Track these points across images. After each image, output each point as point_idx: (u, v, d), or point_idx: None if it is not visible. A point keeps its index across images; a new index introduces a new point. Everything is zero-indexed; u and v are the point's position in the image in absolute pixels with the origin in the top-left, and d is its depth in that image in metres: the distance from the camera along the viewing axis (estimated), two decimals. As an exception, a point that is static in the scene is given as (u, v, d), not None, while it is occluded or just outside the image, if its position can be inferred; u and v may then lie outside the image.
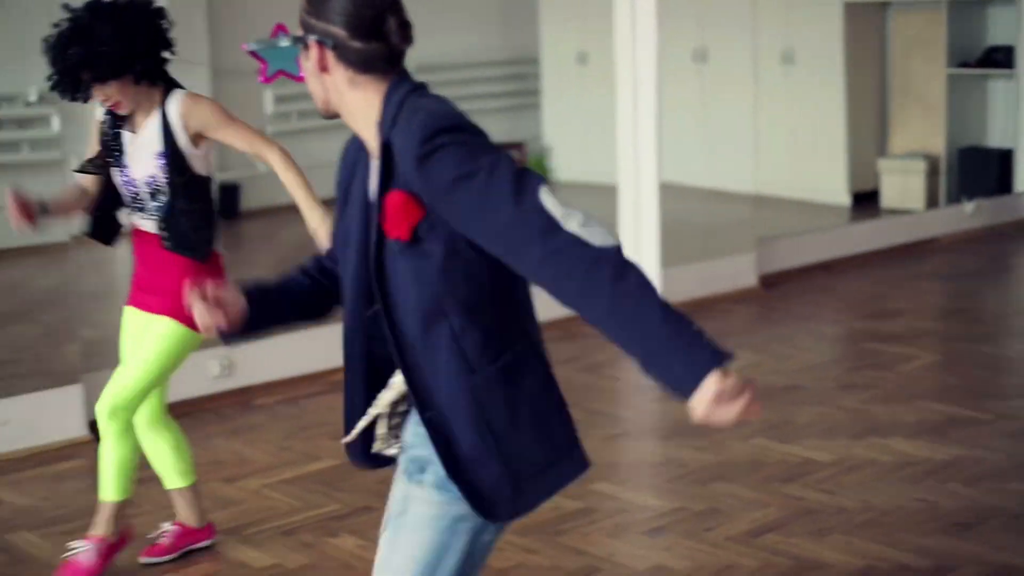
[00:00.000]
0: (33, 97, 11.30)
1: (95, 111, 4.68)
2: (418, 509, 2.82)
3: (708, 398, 2.46)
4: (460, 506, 2.77)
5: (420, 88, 2.77)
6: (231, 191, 11.72)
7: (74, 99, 4.47)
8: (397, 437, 2.92)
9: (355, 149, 2.89)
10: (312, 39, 2.74)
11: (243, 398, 6.81)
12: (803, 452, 5.87)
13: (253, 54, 2.95)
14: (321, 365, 7.06)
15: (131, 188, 4.59)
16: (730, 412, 2.48)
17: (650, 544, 4.98)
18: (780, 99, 11.14)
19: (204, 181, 4.60)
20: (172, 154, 4.49)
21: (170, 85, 4.55)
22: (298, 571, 4.85)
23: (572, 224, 2.55)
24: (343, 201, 2.89)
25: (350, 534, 5.13)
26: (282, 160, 4.45)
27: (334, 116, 2.82)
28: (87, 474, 5.96)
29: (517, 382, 2.79)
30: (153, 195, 4.56)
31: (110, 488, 4.80)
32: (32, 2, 11.07)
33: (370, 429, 2.95)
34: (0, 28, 10.72)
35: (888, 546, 4.87)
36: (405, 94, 2.73)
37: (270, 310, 3.02)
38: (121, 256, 8.07)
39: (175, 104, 4.49)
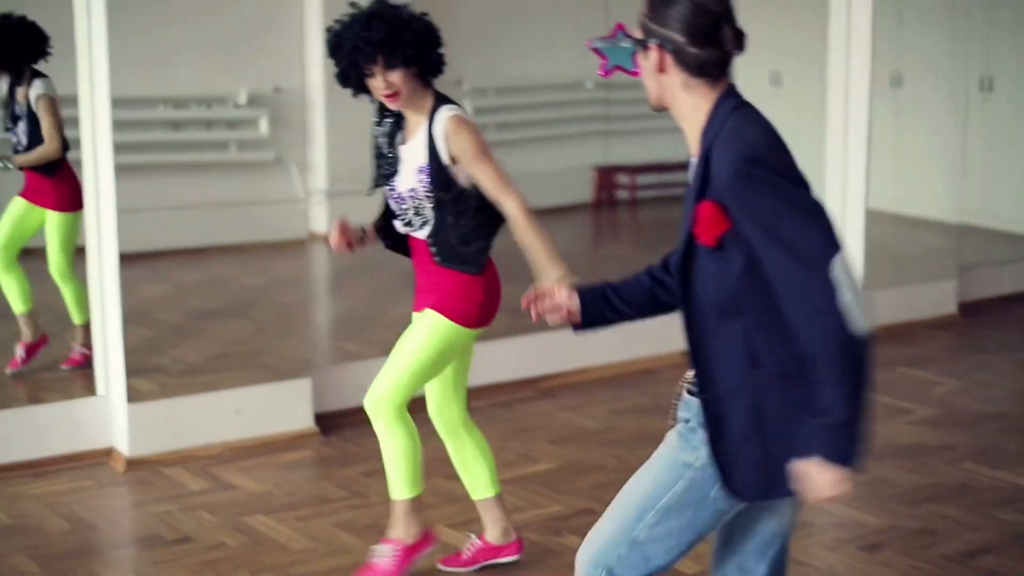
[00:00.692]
0: (243, 99, 11.68)
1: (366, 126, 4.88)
2: (676, 453, 3.15)
3: (821, 482, 2.89)
4: (689, 454, 3.13)
5: (745, 105, 3.01)
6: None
7: (355, 90, 4.61)
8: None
9: None
10: (653, 43, 3.03)
11: (459, 399, 7.04)
12: (1014, 479, 5.95)
13: (595, 51, 3.20)
14: (534, 372, 7.29)
15: (398, 201, 4.66)
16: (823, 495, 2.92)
17: (868, 559, 5.10)
18: (978, 126, 11.13)
19: (473, 195, 4.58)
20: (436, 169, 4.53)
21: (439, 99, 4.62)
22: (523, 566, 5.05)
23: (846, 296, 2.82)
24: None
25: (574, 534, 5.31)
26: (520, 215, 4.45)
27: (663, 110, 3.14)
28: (315, 464, 6.26)
29: (792, 384, 2.99)
30: (417, 210, 4.61)
31: (395, 485, 4.82)
32: (243, 8, 11.50)
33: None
34: (213, 33, 11.12)
35: (1105, 574, 4.95)
36: (731, 109, 2.99)
37: (609, 307, 3.36)
38: (331, 256, 8.37)
39: (440, 124, 4.52)
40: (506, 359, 7.26)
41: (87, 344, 6.65)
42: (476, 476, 4.99)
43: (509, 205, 4.48)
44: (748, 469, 3.05)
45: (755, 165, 2.87)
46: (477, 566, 5.04)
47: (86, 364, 6.65)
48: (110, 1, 5.88)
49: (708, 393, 3.05)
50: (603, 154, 13.96)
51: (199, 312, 8.59)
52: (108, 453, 6.21)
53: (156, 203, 6.65)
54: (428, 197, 4.57)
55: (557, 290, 3.37)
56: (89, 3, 5.95)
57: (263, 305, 9.33)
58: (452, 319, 4.64)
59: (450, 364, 4.80)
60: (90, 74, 6.00)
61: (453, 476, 5.32)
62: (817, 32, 9.81)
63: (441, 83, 12.64)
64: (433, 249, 4.64)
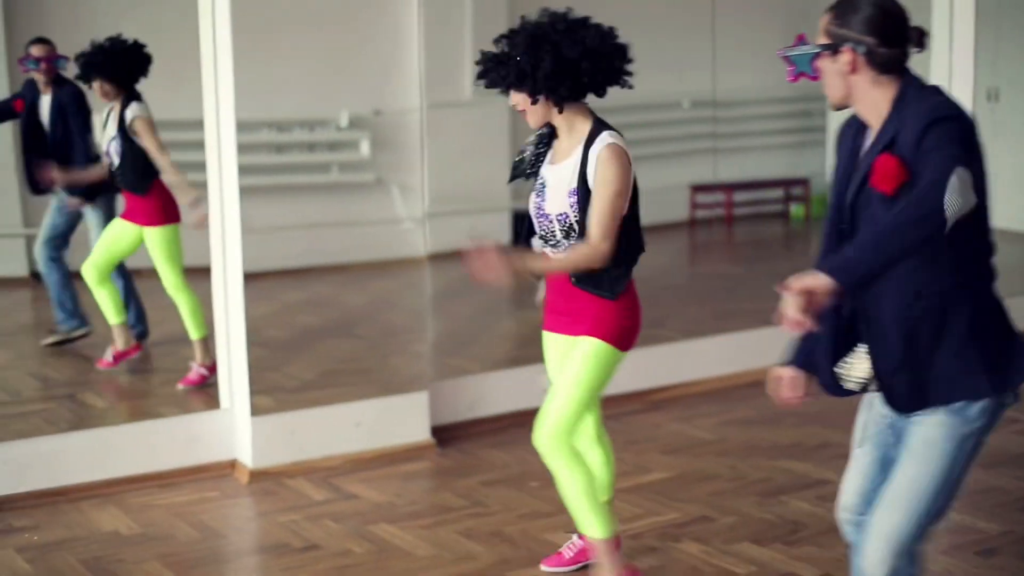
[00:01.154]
0: (344, 122, 11.89)
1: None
2: (949, 431, 3.50)
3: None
4: (972, 424, 3.49)
5: (928, 86, 3.42)
6: (524, 219, 12.09)
7: (503, 88, 4.51)
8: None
9: (850, 131, 3.59)
10: (846, 46, 3.40)
11: (570, 412, 7.16)
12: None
13: (785, 58, 3.57)
14: (644, 385, 7.41)
15: (544, 221, 4.60)
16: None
17: (983, 564, 5.17)
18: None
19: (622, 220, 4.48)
20: (583, 194, 4.46)
21: (599, 124, 4.53)
22: (647, 571, 5.15)
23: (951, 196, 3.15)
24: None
25: (693, 540, 5.42)
26: (586, 259, 4.42)
27: (843, 108, 3.51)
28: (433, 475, 6.40)
29: (946, 311, 3.41)
30: (567, 233, 4.53)
31: (589, 524, 4.76)
32: (348, 33, 11.70)
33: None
34: (314, 58, 11.33)
35: None
36: (917, 89, 3.40)
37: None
38: (431, 276, 8.53)
39: (598, 148, 4.46)
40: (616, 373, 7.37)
41: (204, 363, 6.85)
42: (599, 482, 5.04)
43: (593, 246, 4.41)
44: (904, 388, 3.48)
45: (942, 121, 3.24)
46: (578, 565, 5.15)
47: (202, 384, 6.85)
48: (233, 27, 6.06)
49: (873, 327, 3.47)
50: (701, 172, 14.06)
51: (306, 330, 8.77)
52: (232, 465, 6.39)
53: (260, 224, 6.81)
54: (578, 221, 4.49)
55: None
56: (216, 31, 6.13)
57: (368, 323, 9.50)
58: (610, 343, 4.63)
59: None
60: (215, 98, 6.19)
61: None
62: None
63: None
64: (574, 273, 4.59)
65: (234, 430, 6.39)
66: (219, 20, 6.12)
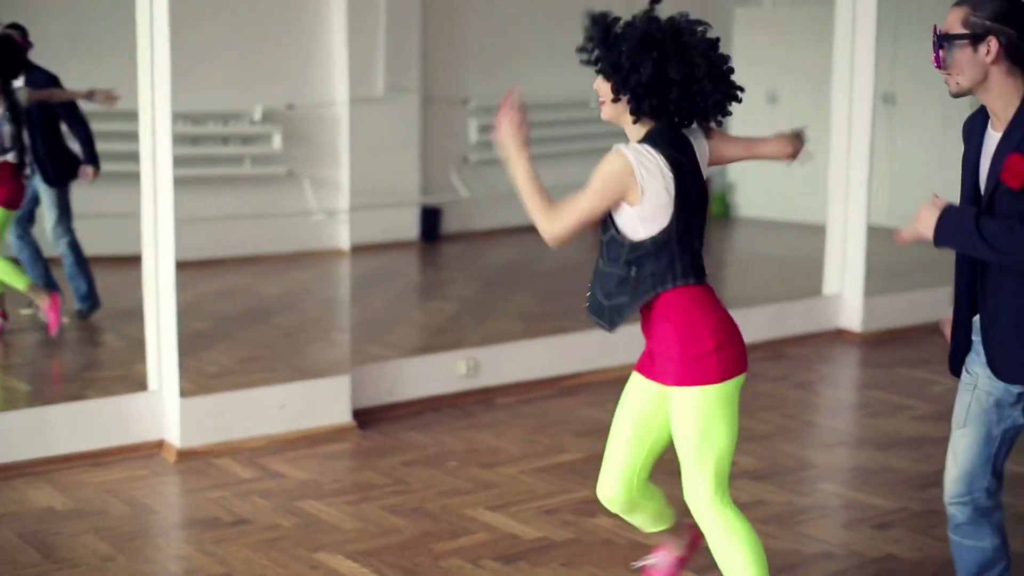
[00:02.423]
0: (258, 116, 12.08)
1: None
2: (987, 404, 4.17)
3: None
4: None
5: None
6: (433, 215, 12.33)
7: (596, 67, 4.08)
8: None
9: (977, 122, 3.94)
10: (991, 36, 3.72)
11: (486, 397, 7.45)
12: (1011, 467, 6.30)
13: (943, 44, 3.81)
14: (555, 371, 7.72)
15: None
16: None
17: (880, 536, 5.50)
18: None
19: (631, 245, 4.01)
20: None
21: (646, 138, 4.04)
22: (565, 544, 5.44)
23: None
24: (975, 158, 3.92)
25: (606, 516, 5.68)
26: (536, 212, 4.03)
27: (963, 95, 3.85)
28: (355, 455, 6.65)
29: None
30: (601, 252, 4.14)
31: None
32: (262, 29, 11.85)
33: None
34: (231, 53, 11.51)
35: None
36: None
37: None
38: (344, 268, 8.79)
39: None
40: (529, 360, 7.68)
41: (45, 304, 7.27)
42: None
43: (547, 217, 4.02)
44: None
45: None
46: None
47: (59, 319, 7.31)
48: (172, 20, 6.26)
49: (989, 305, 3.94)
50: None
51: (224, 319, 8.98)
52: (160, 445, 6.59)
53: (174, 215, 7.00)
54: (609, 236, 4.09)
55: None
56: (153, 22, 6.32)
57: (284, 312, 9.72)
58: (689, 384, 4.09)
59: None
60: (151, 90, 6.37)
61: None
62: (812, 52, 10.28)
63: (448, 101, 13.01)
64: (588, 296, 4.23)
65: (163, 411, 6.59)
66: (156, 11, 6.31)
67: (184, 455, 6.48)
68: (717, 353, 4.03)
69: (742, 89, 4.06)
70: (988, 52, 3.74)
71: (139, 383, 6.80)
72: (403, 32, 11.74)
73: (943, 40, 3.79)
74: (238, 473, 6.31)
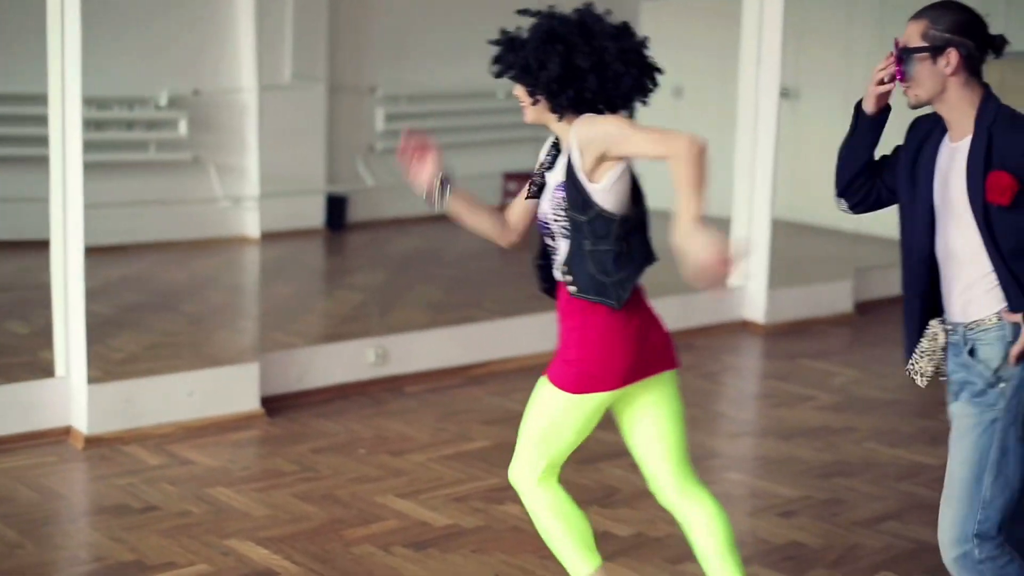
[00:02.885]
0: (163, 101, 12.02)
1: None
2: (979, 419, 3.81)
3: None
4: (991, 412, 3.77)
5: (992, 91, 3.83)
6: (339, 203, 12.31)
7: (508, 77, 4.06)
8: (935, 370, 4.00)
9: (927, 128, 3.91)
10: (951, 48, 3.72)
11: (394, 385, 7.47)
12: (911, 456, 6.49)
13: (902, 58, 3.81)
14: (462, 360, 7.76)
15: (543, 229, 4.15)
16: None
17: (785, 524, 5.61)
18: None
19: (621, 219, 3.95)
20: (573, 187, 3.95)
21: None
22: (474, 531, 5.49)
23: None
24: (912, 163, 3.91)
25: (515, 503, 5.73)
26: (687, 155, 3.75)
27: (921, 106, 3.84)
28: (264, 442, 6.66)
29: None
30: (552, 237, 4.11)
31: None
32: (168, 14, 11.81)
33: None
34: (135, 36, 11.44)
35: (997, 537, 5.49)
36: (999, 103, 3.78)
37: None
38: (251, 256, 8.80)
39: (572, 134, 3.96)
40: (437, 348, 7.71)
41: None
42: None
43: (676, 144, 3.74)
44: None
45: None
46: None
47: None
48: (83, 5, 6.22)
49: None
50: (515, 160, 14.39)
51: (129, 306, 8.94)
52: (67, 432, 6.55)
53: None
54: (558, 220, 4.05)
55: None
56: (64, 8, 6.28)
57: (191, 300, 9.69)
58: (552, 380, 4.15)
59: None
60: (61, 75, 6.33)
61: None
62: (718, 46, 10.40)
63: (355, 90, 12.97)
64: (569, 279, 4.07)
65: (69, 398, 6.55)
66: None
67: (92, 442, 6.44)
68: (578, 365, 4.05)
69: (660, 69, 4.04)
70: (948, 64, 3.74)
71: (44, 369, 6.76)
72: (311, 19, 11.72)
73: (903, 54, 3.80)
74: (146, 460, 6.30)
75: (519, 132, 14.35)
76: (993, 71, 3.95)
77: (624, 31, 4.00)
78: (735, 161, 9.24)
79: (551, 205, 4.04)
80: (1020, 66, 11.67)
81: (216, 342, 7.92)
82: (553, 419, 4.15)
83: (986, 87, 3.80)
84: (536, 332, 8.10)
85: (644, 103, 4.07)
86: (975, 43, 3.75)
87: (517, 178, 14.02)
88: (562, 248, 4.05)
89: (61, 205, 6.44)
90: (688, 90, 14.17)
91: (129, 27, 11.16)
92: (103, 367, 6.80)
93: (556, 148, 4.12)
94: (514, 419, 6.98)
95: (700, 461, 6.25)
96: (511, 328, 8.15)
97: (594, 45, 3.92)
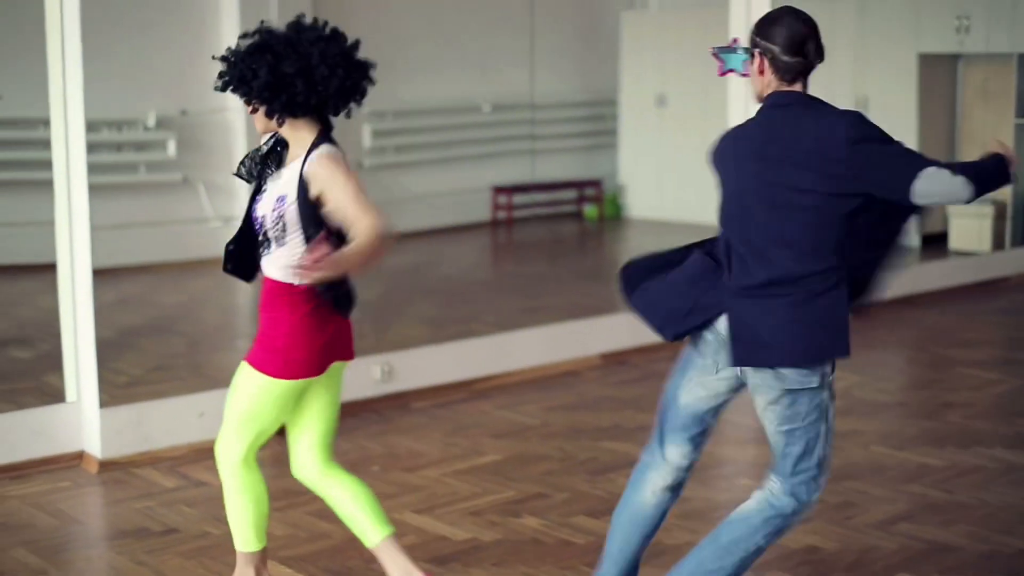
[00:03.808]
0: (152, 122, 12.08)
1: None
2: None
3: None
4: None
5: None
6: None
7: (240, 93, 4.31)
8: None
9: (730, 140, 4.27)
10: (758, 51, 4.15)
11: (401, 401, 7.53)
12: (918, 458, 6.56)
13: (715, 55, 4.29)
14: (468, 374, 7.81)
15: (258, 224, 4.42)
16: None
17: (800, 529, 5.65)
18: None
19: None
20: (306, 207, 4.27)
21: (324, 137, 4.34)
22: (494, 545, 5.54)
23: None
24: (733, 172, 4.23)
25: (532, 515, 5.82)
26: (368, 240, 4.09)
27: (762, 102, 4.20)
28: (277, 462, 6.57)
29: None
30: (265, 236, 4.39)
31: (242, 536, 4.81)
32: (154, 35, 11.85)
33: None
34: (124, 59, 11.49)
35: (1008, 535, 5.56)
36: (810, 99, 4.18)
37: None
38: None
39: (309, 168, 4.27)
40: (441, 363, 7.77)
41: None
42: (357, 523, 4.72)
43: (365, 226, 4.12)
44: None
45: (861, 127, 4.09)
46: None
47: None
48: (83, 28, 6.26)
49: None
50: (503, 174, 14.45)
51: (126, 329, 8.97)
52: (80, 456, 6.58)
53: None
54: (275, 227, 4.34)
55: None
56: (63, 30, 6.31)
57: (187, 321, 9.73)
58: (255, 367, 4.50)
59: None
60: (63, 97, 6.37)
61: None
62: (700, 55, 10.46)
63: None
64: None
65: (81, 422, 6.59)
66: (68, 18, 6.30)
67: (106, 466, 6.48)
68: (285, 353, 4.39)
69: (372, 65, 4.35)
70: (756, 65, 4.16)
71: (52, 394, 6.80)
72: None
73: None
74: (161, 483, 6.34)
75: (507, 145, 14.48)
76: (976, 74, 4.12)
77: (331, 37, 4.30)
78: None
79: (265, 208, 4.35)
80: (1002, 69, 11.84)
81: (218, 363, 7.96)
82: (254, 403, 4.48)
83: (803, 89, 4.20)
84: (538, 345, 8.18)
85: (358, 103, 4.39)
86: (783, 49, 4.13)
87: (506, 191, 14.10)
88: (268, 247, 4.36)
89: (67, 228, 6.48)
90: (671, 98, 14.27)
91: (115, 49, 11.21)
92: (108, 391, 6.82)
93: (278, 144, 4.42)
94: (524, 432, 7.10)
95: (710, 469, 6.34)
96: (513, 341, 8.21)
97: (300, 51, 4.22)
